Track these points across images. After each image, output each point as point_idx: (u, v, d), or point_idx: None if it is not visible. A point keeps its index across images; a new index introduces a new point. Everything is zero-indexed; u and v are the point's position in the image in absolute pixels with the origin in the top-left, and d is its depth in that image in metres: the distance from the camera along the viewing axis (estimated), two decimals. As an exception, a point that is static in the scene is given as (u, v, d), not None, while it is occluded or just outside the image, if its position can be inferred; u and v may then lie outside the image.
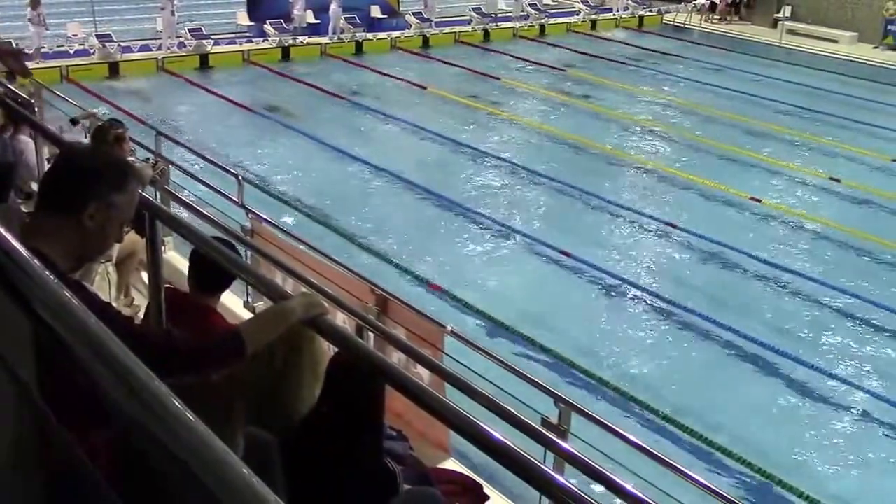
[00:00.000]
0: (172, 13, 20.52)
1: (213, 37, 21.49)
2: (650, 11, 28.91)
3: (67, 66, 19.06)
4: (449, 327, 5.02)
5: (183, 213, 4.68)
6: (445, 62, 21.92)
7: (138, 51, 20.77)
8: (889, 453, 7.77)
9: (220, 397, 2.26)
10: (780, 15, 26.35)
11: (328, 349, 2.97)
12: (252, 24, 22.75)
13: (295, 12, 22.30)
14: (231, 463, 0.98)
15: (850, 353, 9.32)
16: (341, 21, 22.79)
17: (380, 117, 17.21)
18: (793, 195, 13.99)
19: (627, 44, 25.01)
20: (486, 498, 4.02)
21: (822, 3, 26.78)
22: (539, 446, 2.59)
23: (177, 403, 1.04)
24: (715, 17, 28.76)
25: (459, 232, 12.05)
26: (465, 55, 22.91)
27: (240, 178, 8.05)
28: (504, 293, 10.27)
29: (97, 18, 21.20)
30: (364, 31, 23.27)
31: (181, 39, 20.94)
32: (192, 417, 1.03)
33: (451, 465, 4.76)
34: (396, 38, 23.68)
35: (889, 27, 25.42)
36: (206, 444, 0.99)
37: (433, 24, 24.59)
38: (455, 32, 24.79)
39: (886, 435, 8.01)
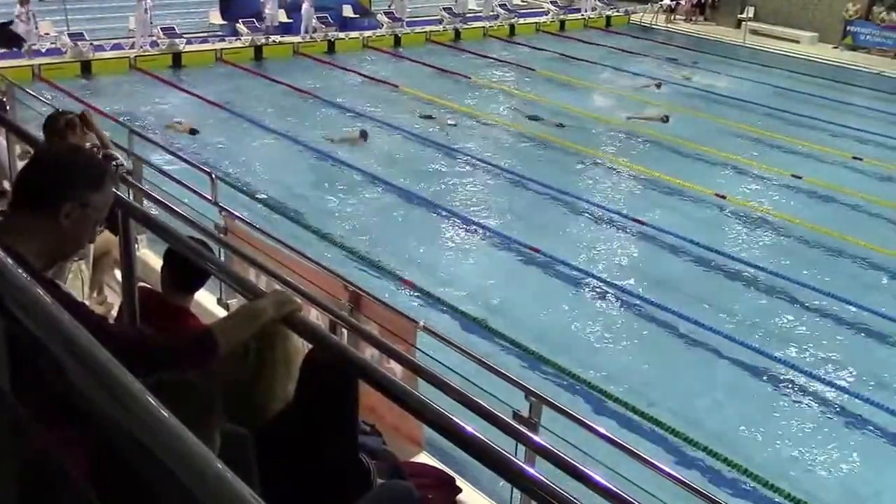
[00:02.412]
0: (146, 11, 20.34)
1: (185, 36, 21.34)
2: (617, 12, 29.18)
3: (40, 64, 18.83)
4: (421, 323, 5.06)
5: (156, 212, 4.67)
6: (417, 61, 21.94)
7: (111, 49, 20.56)
8: (856, 446, 7.95)
9: (198, 394, 2.27)
10: (744, 15, 26.77)
11: (303, 346, 2.99)
12: (224, 23, 22.62)
13: (266, 11, 22.19)
14: (206, 458, 0.99)
15: (811, 343, 9.50)
16: (313, 20, 22.73)
17: (352, 115, 17.19)
18: (756, 192, 14.23)
19: (595, 43, 25.20)
20: (459, 491, 4.06)
21: (784, 4, 27.21)
22: (511, 439, 2.63)
23: (151, 400, 1.05)
24: (680, 17, 29.10)
25: (430, 228, 12.11)
26: (437, 54, 22.96)
27: (213, 175, 8.03)
28: (474, 288, 10.33)
29: (69, 17, 20.96)
30: (336, 31, 23.24)
31: (154, 38, 20.77)
32: (166, 414, 1.04)
33: (425, 458, 4.80)
34: (368, 37, 23.67)
35: (848, 28, 25.88)
36: (181, 439, 1.01)
37: (405, 23, 24.61)
38: (426, 32, 24.83)
39: (850, 424, 8.18)
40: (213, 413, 2.33)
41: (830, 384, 8.70)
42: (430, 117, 17.08)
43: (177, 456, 0.99)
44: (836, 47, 25.72)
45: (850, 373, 8.97)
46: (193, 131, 15.22)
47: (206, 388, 2.35)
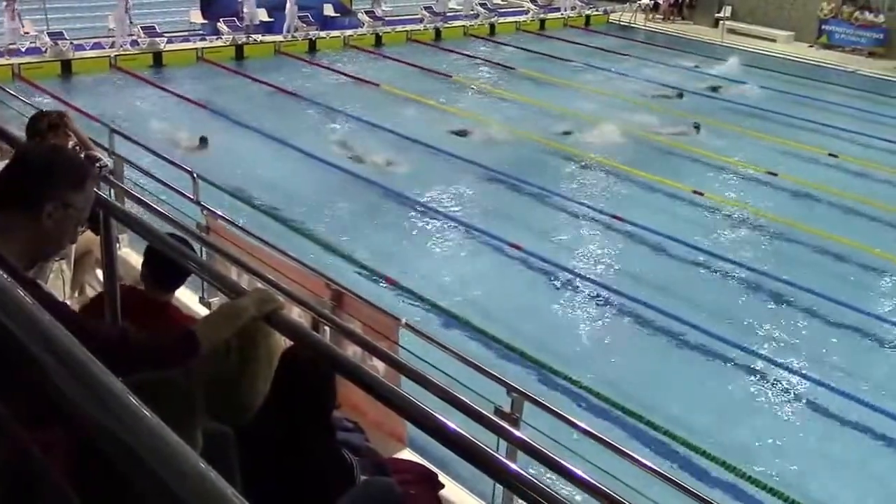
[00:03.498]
0: (126, 10, 20.20)
1: (166, 35, 21.21)
2: (596, 11, 29.30)
3: (19, 63, 18.65)
4: (403, 320, 5.08)
5: (138, 211, 4.66)
6: (398, 60, 21.94)
7: (91, 49, 20.41)
8: (829, 440, 8.07)
9: (180, 392, 2.28)
10: (721, 14, 26.96)
11: (284, 343, 3.00)
12: (205, 22, 22.51)
13: (245, 10, 22.07)
14: (188, 457, 0.99)
15: (787, 338, 9.61)
16: (295, 19, 22.64)
17: (333, 114, 17.16)
18: (733, 188, 14.35)
19: (575, 42, 25.29)
20: (442, 486, 4.08)
21: (761, 4, 27.46)
22: (493, 435, 2.66)
23: (132, 399, 1.05)
24: (658, 16, 29.31)
25: (412, 226, 12.11)
26: (418, 53, 22.96)
27: (195, 174, 8.00)
28: (455, 285, 10.37)
29: (49, 16, 20.81)
30: (317, 30, 23.18)
31: (134, 37, 20.63)
32: (147, 413, 1.03)
33: (407, 455, 4.82)
34: (349, 36, 23.64)
35: (823, 27, 26.14)
36: (163, 439, 1.00)
37: (385, 22, 24.59)
38: (407, 31, 24.82)
39: (825, 416, 8.29)
40: (196, 412, 2.34)
41: (807, 378, 8.80)
42: (410, 115, 17.06)
43: (159, 455, 0.99)
44: (811, 46, 25.98)
45: (828, 367, 9.07)
46: (203, 140, 14.75)
47: (188, 386, 2.35)
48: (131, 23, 20.54)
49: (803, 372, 8.90)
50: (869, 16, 25.14)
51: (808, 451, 7.86)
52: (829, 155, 15.98)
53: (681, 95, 19.81)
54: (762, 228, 12.76)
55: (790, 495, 6.78)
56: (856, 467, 7.72)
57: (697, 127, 17.04)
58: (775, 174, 14.76)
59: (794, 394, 8.64)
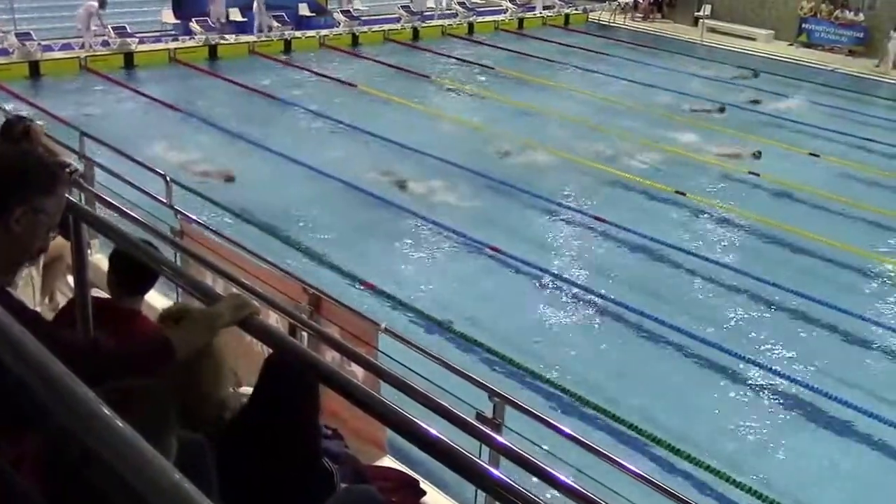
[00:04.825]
0: (95, 13, 19.95)
1: (137, 35, 20.99)
2: (576, 10, 29.36)
3: (-14, 65, 18.46)
4: (382, 325, 5.03)
5: (109, 216, 4.57)
6: (375, 60, 21.88)
7: (60, 49, 20.15)
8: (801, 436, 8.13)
9: (152, 401, 2.22)
10: (701, 13, 27.08)
11: (262, 350, 2.95)
12: (177, 21, 22.30)
13: (211, 8, 21.89)
14: (161, 467, 0.97)
15: (770, 338, 9.66)
16: (266, 18, 22.46)
17: (310, 116, 17.07)
18: (715, 188, 14.34)
19: (554, 42, 25.32)
20: (423, 493, 4.05)
21: (741, 2, 27.61)
22: (475, 440, 2.62)
23: (104, 409, 1.03)
24: (638, 15, 29.44)
25: (389, 228, 12.04)
26: (395, 53, 22.91)
27: (167, 178, 7.90)
28: (435, 289, 10.32)
29: (17, 16, 20.50)
30: (292, 29, 23.05)
31: (105, 38, 20.39)
32: (120, 423, 1.02)
33: (388, 462, 4.77)
34: (325, 35, 23.52)
35: (804, 25, 26.34)
36: (135, 449, 0.99)
37: (362, 21, 24.50)
38: (384, 30, 24.75)
39: (810, 419, 8.33)
40: (168, 420, 2.29)
41: (782, 375, 8.85)
42: (388, 116, 17.00)
43: (132, 465, 0.97)
44: (791, 44, 26.19)
45: (806, 364, 9.13)
46: (229, 179, 13.39)
47: (160, 394, 2.30)
48: (101, 24, 20.26)
49: (783, 371, 8.93)
50: (849, 14, 25.40)
51: (796, 453, 7.88)
52: (811, 154, 16.07)
53: (723, 110, 18.90)
54: (745, 228, 12.79)
55: (776, 499, 6.80)
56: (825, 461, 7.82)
57: (758, 155, 15.75)
58: (757, 174, 14.80)
59: (783, 399, 8.65)
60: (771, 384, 8.82)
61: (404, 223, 12.20)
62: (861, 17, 25.24)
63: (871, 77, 23.08)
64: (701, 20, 26.86)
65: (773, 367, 8.99)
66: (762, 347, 9.48)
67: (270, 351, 2.89)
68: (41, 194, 2.17)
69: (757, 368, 9.00)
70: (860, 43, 25.16)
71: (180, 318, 2.93)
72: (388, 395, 2.66)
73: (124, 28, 20.70)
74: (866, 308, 10.38)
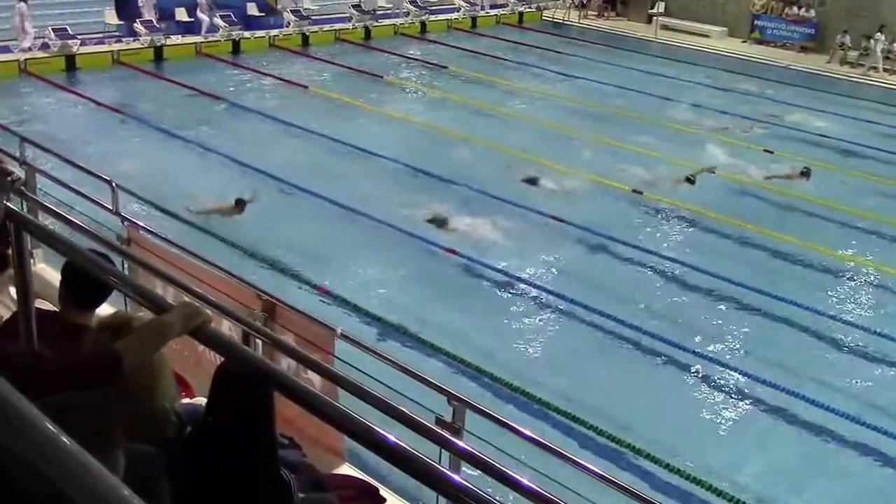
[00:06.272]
0: (24, 15, 19.42)
1: (79, 37, 20.48)
2: (529, 8, 29.51)
3: (-82, 69, 17.89)
4: (339, 330, 4.96)
5: (53, 224, 4.44)
6: (326, 61, 21.72)
7: (-3, 52, 19.63)
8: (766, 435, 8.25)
9: (97, 414, 2.15)
10: (654, 11, 27.38)
11: (215, 359, 2.88)
12: (121, 22, 21.83)
13: (142, 7, 21.49)
14: (109, 484, 0.94)
15: (723, 333, 9.80)
16: (207, 16, 22.07)
17: (259, 118, 16.86)
18: (671, 186, 14.42)
19: (507, 40, 25.41)
20: (383, 501, 4.00)
21: (694, 0, 27.93)
22: (435, 446, 2.59)
23: (48, 425, 0.99)
24: (592, 13, 29.67)
25: (343, 231, 11.95)
26: (347, 53, 22.79)
27: (113, 184, 7.71)
28: (389, 292, 10.25)
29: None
30: (241, 30, 22.74)
31: (44, 40, 19.88)
32: (65, 439, 0.98)
33: (347, 470, 4.71)
34: (275, 36, 23.28)
35: (756, 22, 26.86)
36: (81, 464, 0.95)
37: (312, 21, 24.29)
38: (335, 30, 24.58)
39: (765, 411, 8.46)
40: (115, 433, 2.23)
41: (739, 371, 8.97)
42: (341, 117, 16.88)
43: (78, 483, 0.94)
44: (744, 41, 26.66)
45: (758, 358, 9.28)
46: (239, 203, 12.29)
47: (105, 407, 2.24)
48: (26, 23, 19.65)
49: (741, 367, 9.03)
50: (800, 11, 25.92)
51: (749, 448, 7.97)
52: (765, 151, 16.33)
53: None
54: (700, 225, 12.95)
55: (736, 496, 6.88)
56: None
57: (806, 173, 14.94)
58: (713, 170, 14.96)
59: (738, 393, 8.75)
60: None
61: (357, 226, 12.10)
62: (812, 13, 25.81)
63: (824, 73, 23.51)
64: (655, 18, 27.19)
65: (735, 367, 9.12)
66: (700, 339, 9.62)
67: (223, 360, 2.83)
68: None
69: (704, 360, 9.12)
70: (811, 39, 25.72)
71: (121, 328, 2.85)
72: (346, 401, 2.62)
73: (65, 29, 20.19)
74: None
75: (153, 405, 2.88)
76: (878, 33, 23.56)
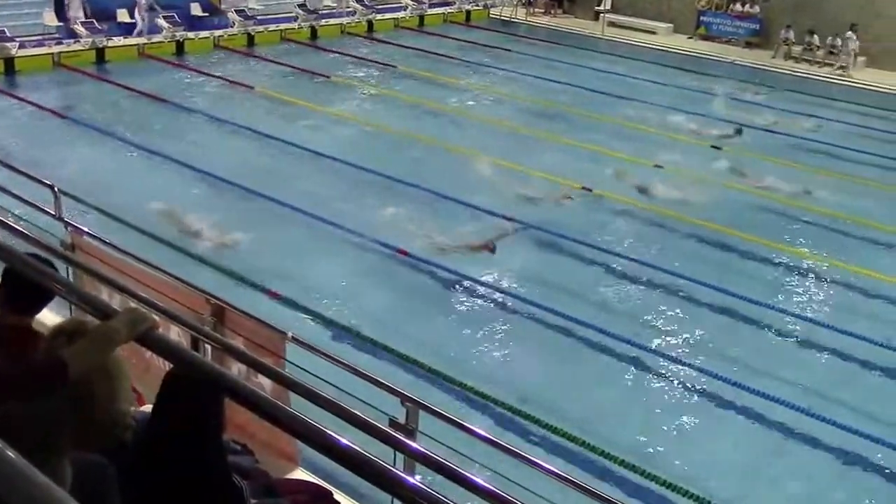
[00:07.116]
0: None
1: (17, 39, 19.95)
2: (476, 6, 29.60)
3: None
4: (289, 334, 4.91)
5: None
6: (272, 61, 21.52)
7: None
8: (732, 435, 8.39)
9: (41, 424, 2.09)
10: (601, 7, 27.67)
11: (163, 365, 2.83)
12: (60, 24, 21.32)
13: (70, 11, 21.03)
14: (54, 496, 0.92)
15: (678, 330, 9.93)
16: (146, 16, 21.68)
17: (205, 119, 16.61)
18: (621, 183, 14.54)
19: (455, 38, 25.45)
20: (337, 504, 3.97)
21: (640, -4, 28.33)
22: (388, 448, 2.58)
23: None
24: (539, 10, 29.88)
25: (292, 233, 11.82)
26: (293, 53, 22.60)
27: (56, 189, 7.54)
28: (339, 293, 10.18)
29: None
30: (184, 30, 22.39)
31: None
32: (11, 453, 0.97)
33: (300, 474, 4.68)
34: (219, 36, 22.98)
35: (702, 18, 27.33)
36: (25, 477, 0.94)
37: (257, 21, 24.03)
38: (281, 30, 24.34)
39: (719, 405, 8.59)
40: (60, 444, 2.17)
41: (694, 367, 9.08)
42: (287, 118, 16.74)
43: (22, 495, 0.92)
44: (690, 37, 27.08)
45: (719, 355, 9.41)
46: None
47: (50, 416, 2.18)
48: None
49: (699, 365, 9.12)
50: (745, 7, 26.42)
51: (715, 451, 8.07)
52: (711, 147, 16.58)
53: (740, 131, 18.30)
54: (652, 221, 13.08)
55: (691, 490, 6.96)
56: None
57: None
58: (661, 167, 15.14)
59: (694, 389, 8.84)
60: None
61: (306, 228, 12.00)
62: (756, 9, 26.31)
63: (769, 68, 23.95)
64: (601, 14, 27.47)
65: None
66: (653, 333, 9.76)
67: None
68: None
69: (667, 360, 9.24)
70: (756, 34, 26.22)
71: (75, 334, 2.78)
72: (298, 405, 2.60)
73: (3, 31, 19.63)
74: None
75: (110, 411, 2.82)
76: (850, 31, 23.82)
